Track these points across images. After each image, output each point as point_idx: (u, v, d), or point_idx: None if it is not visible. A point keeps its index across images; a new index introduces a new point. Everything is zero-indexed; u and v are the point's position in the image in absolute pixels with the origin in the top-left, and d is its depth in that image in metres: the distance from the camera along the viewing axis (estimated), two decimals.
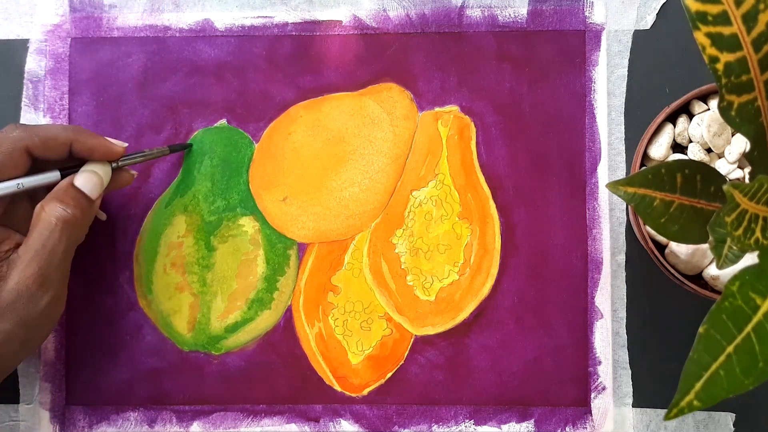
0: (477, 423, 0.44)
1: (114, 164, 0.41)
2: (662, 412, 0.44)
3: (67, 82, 0.46)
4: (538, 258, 0.45)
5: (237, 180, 0.46)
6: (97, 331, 0.45)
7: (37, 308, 0.37)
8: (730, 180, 0.34)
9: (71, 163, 0.41)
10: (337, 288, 0.45)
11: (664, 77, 0.45)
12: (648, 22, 0.46)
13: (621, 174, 0.45)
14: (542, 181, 0.45)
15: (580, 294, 0.45)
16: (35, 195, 0.41)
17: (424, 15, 0.46)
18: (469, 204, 0.45)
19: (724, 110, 0.29)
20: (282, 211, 0.46)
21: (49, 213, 0.38)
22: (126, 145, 0.42)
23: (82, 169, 0.40)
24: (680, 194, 0.30)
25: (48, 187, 0.40)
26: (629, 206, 0.41)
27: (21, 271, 0.37)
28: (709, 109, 0.40)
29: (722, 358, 0.27)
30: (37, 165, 0.40)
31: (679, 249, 0.40)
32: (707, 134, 0.39)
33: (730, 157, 0.39)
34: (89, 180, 0.40)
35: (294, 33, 0.46)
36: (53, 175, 0.40)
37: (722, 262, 0.30)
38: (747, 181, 0.39)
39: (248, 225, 0.46)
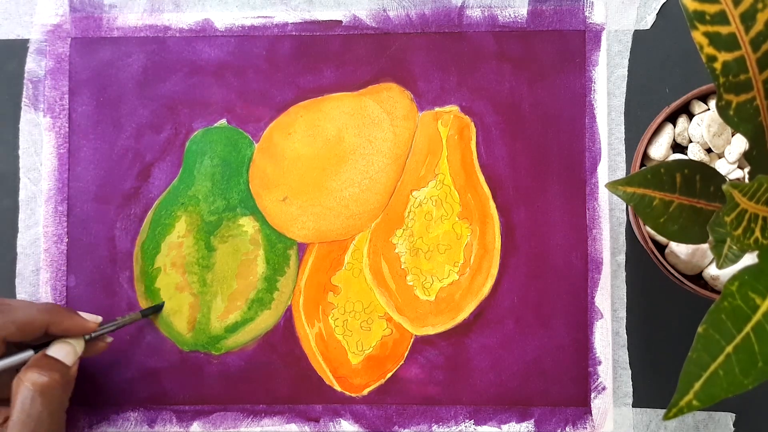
0: (477, 423, 0.44)
1: (87, 337, 0.41)
2: (662, 412, 0.44)
3: (67, 82, 0.46)
4: (538, 258, 0.45)
5: (237, 180, 0.46)
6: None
7: None
8: (729, 180, 0.34)
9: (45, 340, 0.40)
10: (337, 288, 0.45)
11: (664, 77, 0.45)
12: (648, 22, 0.46)
13: (621, 174, 0.45)
14: (542, 181, 0.45)
15: (580, 294, 0.45)
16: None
17: (424, 15, 0.46)
18: (469, 204, 0.45)
19: (722, 109, 0.29)
20: (282, 211, 0.46)
21: (26, 381, 0.37)
22: (100, 319, 0.41)
23: (54, 341, 0.40)
24: (680, 194, 0.30)
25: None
26: (629, 206, 0.41)
27: None
28: (709, 109, 0.40)
29: (721, 357, 0.27)
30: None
31: (679, 249, 0.40)
32: (707, 134, 0.39)
33: (730, 157, 0.39)
34: (62, 348, 0.40)
35: (294, 33, 0.46)
36: (27, 355, 0.39)
37: (722, 262, 0.30)
38: (747, 181, 0.39)
39: (248, 225, 0.46)
